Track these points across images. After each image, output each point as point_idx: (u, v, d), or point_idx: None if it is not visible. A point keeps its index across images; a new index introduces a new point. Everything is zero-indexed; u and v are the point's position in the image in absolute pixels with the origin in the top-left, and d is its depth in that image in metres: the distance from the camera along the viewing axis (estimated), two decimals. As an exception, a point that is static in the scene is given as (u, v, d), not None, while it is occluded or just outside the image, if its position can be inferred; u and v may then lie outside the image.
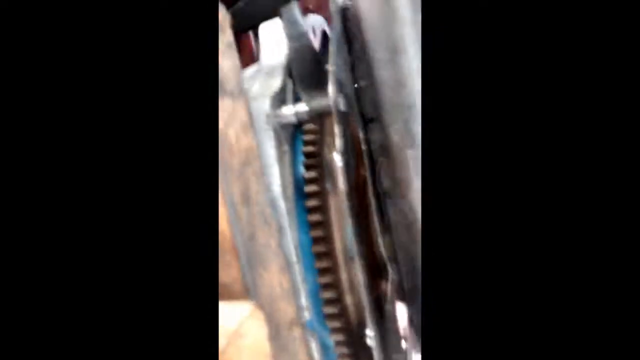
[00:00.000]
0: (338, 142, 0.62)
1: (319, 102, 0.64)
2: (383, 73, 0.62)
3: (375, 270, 0.69)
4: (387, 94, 0.61)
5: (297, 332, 0.65)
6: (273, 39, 0.67)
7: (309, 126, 0.67)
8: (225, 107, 0.62)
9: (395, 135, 0.62)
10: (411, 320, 0.68)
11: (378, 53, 0.64)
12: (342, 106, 0.63)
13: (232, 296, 0.64)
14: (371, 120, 0.66)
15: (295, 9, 0.64)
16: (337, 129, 0.62)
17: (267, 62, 0.67)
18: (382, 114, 0.63)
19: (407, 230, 0.65)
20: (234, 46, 0.63)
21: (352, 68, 0.66)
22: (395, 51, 0.61)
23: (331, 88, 0.62)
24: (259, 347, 0.61)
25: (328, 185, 0.67)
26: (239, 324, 0.61)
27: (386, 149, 0.63)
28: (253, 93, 0.65)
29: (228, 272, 0.63)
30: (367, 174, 0.67)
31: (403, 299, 0.69)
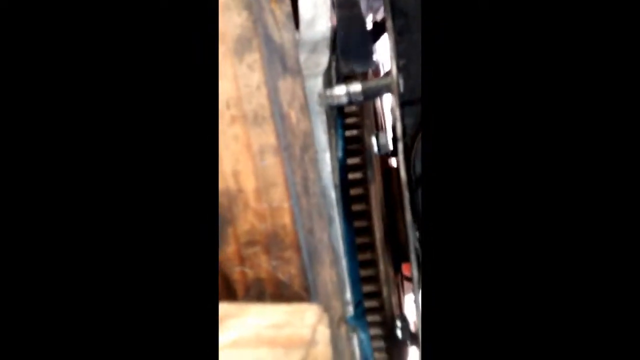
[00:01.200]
0: (399, 126, 0.60)
1: (377, 82, 0.60)
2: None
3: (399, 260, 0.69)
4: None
5: (343, 329, 0.62)
6: (314, 11, 0.61)
7: (351, 108, 0.63)
8: (287, 86, 0.55)
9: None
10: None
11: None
12: (401, 86, 0.60)
13: (291, 295, 0.57)
14: (408, 102, 0.65)
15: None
16: (397, 112, 0.60)
17: (309, 35, 0.61)
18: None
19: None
20: (292, 18, 0.56)
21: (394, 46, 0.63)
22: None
23: (393, 67, 0.59)
24: (327, 352, 0.57)
25: (369, 173, 0.64)
26: (311, 331, 0.55)
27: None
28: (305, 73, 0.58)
29: (288, 269, 0.57)
30: (401, 161, 0.65)
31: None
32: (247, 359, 0.48)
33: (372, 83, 0.59)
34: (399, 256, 0.67)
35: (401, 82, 0.59)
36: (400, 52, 0.61)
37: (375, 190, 0.61)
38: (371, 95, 0.59)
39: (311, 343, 0.54)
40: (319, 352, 0.55)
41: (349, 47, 0.61)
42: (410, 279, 0.70)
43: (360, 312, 0.61)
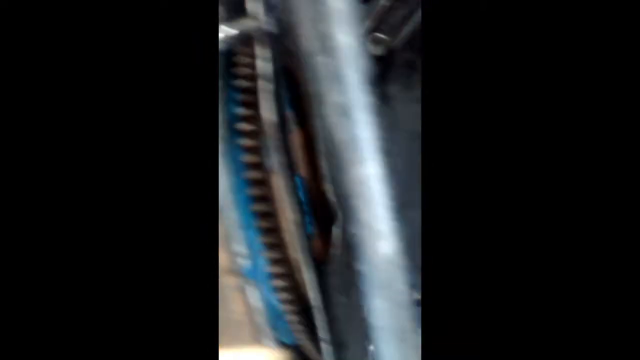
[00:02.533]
0: (265, 66, 0.56)
1: (246, 23, 0.57)
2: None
3: (321, 214, 0.64)
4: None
5: (231, 279, 0.61)
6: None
7: (243, 58, 0.60)
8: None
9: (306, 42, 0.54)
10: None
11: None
12: (270, 27, 0.56)
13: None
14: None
15: None
16: (263, 52, 0.55)
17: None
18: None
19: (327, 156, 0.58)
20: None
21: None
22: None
23: (256, 6, 0.55)
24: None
25: (262, 125, 0.61)
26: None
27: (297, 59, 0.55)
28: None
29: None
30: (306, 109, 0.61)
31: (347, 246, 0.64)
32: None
33: (243, 24, 0.57)
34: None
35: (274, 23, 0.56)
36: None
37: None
38: (245, 37, 0.57)
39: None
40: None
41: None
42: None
43: (260, 264, 0.60)
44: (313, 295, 0.62)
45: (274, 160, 0.61)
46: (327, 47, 0.52)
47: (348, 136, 0.51)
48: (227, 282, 0.59)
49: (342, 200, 0.56)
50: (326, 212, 0.63)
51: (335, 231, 0.64)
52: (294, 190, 0.59)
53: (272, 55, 0.56)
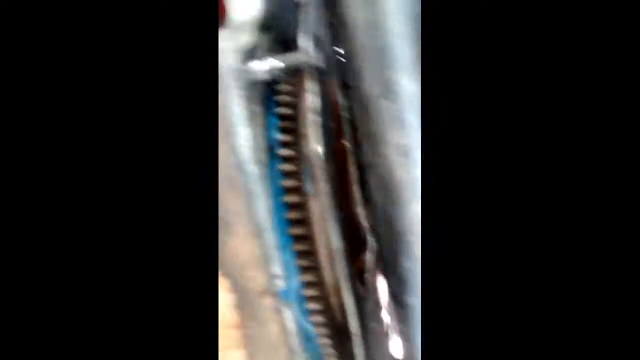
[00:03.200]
0: (313, 100, 0.58)
1: (295, 57, 0.60)
2: (356, 14, 0.58)
3: (355, 242, 0.66)
4: (359, 37, 0.57)
5: (268, 301, 0.62)
6: (244, -5, 0.63)
7: (285, 87, 0.63)
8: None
9: (370, 85, 0.58)
10: (391, 291, 0.65)
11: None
12: (319, 62, 0.59)
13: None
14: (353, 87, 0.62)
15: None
16: (312, 86, 0.58)
17: (237, 17, 0.63)
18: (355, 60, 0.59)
19: (384, 192, 0.62)
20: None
21: (333, 30, 0.62)
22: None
23: (306, 42, 0.58)
24: (227, 314, 0.58)
25: (305, 151, 0.63)
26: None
27: (360, 101, 0.59)
28: (220, 48, 0.61)
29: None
30: (349, 142, 0.63)
31: (383, 269, 0.66)
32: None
33: (292, 58, 0.60)
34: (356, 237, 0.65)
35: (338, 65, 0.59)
36: (342, 37, 0.60)
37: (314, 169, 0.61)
38: (292, 70, 0.60)
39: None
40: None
41: (281, 28, 0.63)
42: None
43: (297, 287, 0.62)
44: (349, 320, 0.63)
45: (314, 186, 0.64)
46: (391, 91, 0.55)
47: (407, 176, 0.54)
48: (264, 304, 0.60)
49: (397, 236, 0.59)
50: (358, 237, 0.65)
51: (369, 257, 0.66)
52: (333, 215, 0.61)
53: (320, 89, 0.59)
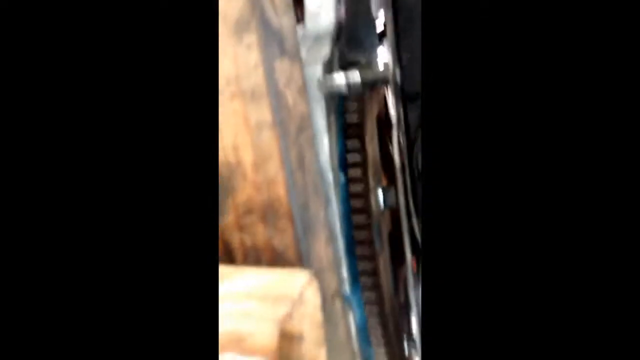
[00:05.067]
0: (394, 115, 0.63)
1: (374, 72, 0.64)
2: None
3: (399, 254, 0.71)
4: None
5: (338, 304, 0.64)
6: (319, 4, 0.66)
7: (351, 102, 0.67)
8: (284, 67, 0.60)
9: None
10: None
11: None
12: (397, 77, 0.64)
13: (286, 263, 0.61)
14: (414, 97, 0.68)
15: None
16: (394, 102, 0.63)
17: (314, 26, 0.66)
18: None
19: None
20: (291, 4, 0.61)
21: (397, 43, 0.67)
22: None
23: (390, 58, 0.62)
24: (316, 315, 0.60)
25: (370, 157, 0.67)
26: (300, 292, 0.59)
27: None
28: (304, 58, 0.63)
29: (282, 238, 0.60)
30: (403, 153, 0.68)
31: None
32: (236, 309, 0.53)
33: (370, 72, 0.63)
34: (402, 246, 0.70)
35: (401, 75, 0.63)
36: (403, 47, 0.65)
37: (372, 174, 0.64)
38: (370, 84, 0.63)
39: (298, 302, 0.57)
40: (306, 312, 0.58)
41: (354, 42, 0.66)
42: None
43: (357, 289, 0.64)
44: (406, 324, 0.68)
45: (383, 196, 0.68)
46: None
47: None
48: (336, 306, 0.62)
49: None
50: (415, 244, 0.71)
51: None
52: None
53: (397, 102, 0.64)
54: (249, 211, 0.59)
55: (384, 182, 0.64)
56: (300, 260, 0.60)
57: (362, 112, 0.63)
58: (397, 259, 0.67)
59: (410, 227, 0.65)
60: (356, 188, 0.62)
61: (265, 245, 0.60)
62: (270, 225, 0.59)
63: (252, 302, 0.53)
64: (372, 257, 0.63)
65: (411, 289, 0.66)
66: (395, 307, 0.65)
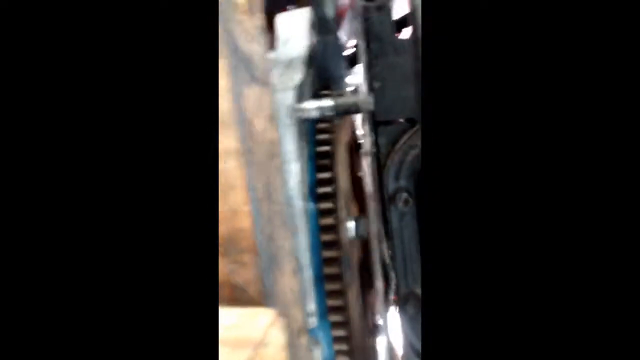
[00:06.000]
0: (368, 142, 0.61)
1: (347, 100, 0.62)
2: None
3: (369, 282, 0.69)
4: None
5: (304, 340, 0.62)
6: (291, 30, 0.64)
7: (323, 124, 0.65)
8: (254, 94, 0.58)
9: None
10: (406, 337, 0.69)
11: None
12: (370, 105, 0.62)
13: (247, 300, 0.58)
14: (385, 123, 0.66)
15: (330, 2, 0.62)
16: (367, 129, 0.61)
17: (285, 52, 0.64)
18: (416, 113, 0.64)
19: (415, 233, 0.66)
20: (263, 31, 0.59)
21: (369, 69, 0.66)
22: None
23: (362, 85, 0.61)
24: (280, 356, 0.57)
25: (340, 187, 0.65)
26: (264, 333, 0.56)
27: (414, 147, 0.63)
28: (275, 84, 0.61)
29: (244, 273, 0.58)
30: (372, 178, 0.66)
31: (399, 303, 0.69)
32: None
33: (343, 100, 0.61)
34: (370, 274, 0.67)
35: (373, 101, 0.62)
36: (374, 74, 0.63)
37: (343, 205, 0.62)
38: (342, 111, 0.61)
39: (260, 344, 0.55)
40: (269, 354, 0.55)
41: (324, 69, 0.64)
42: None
43: (325, 324, 0.61)
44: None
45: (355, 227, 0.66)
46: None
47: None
48: (301, 342, 0.60)
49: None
50: (386, 276, 0.69)
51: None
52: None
53: (371, 129, 0.62)
54: (210, 243, 0.56)
55: (355, 212, 0.62)
56: (263, 296, 0.58)
57: (333, 141, 0.61)
58: (367, 287, 0.64)
59: (381, 254, 0.63)
60: (327, 221, 0.60)
61: (225, 280, 0.57)
62: (232, 259, 0.56)
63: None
64: (342, 293, 0.61)
65: (381, 315, 0.64)
66: (365, 342, 0.62)
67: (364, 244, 0.63)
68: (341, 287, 0.61)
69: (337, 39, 0.64)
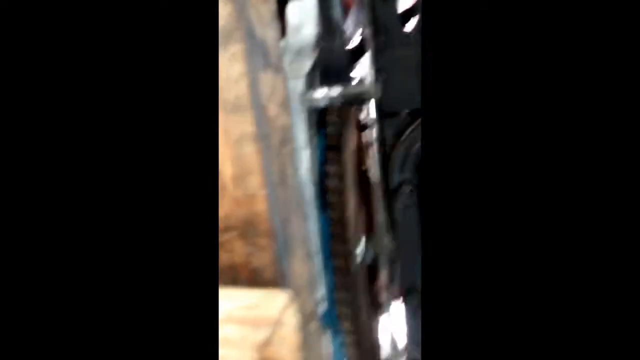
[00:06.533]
0: (375, 132, 0.63)
1: (355, 89, 0.64)
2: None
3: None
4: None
5: (314, 325, 0.62)
6: (301, 18, 0.65)
7: (332, 116, 0.66)
8: (268, 80, 0.58)
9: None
10: (409, 328, 0.70)
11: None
12: (377, 94, 0.63)
13: (264, 282, 0.59)
14: (390, 115, 0.68)
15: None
16: (374, 118, 0.63)
17: (295, 40, 0.65)
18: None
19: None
20: (276, 18, 0.60)
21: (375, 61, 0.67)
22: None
23: (371, 75, 0.62)
24: (294, 337, 0.58)
25: (348, 180, 0.67)
26: (279, 314, 0.57)
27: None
28: (285, 71, 0.62)
29: (262, 256, 0.58)
30: (378, 169, 0.68)
31: (399, 295, 0.71)
32: (216, 334, 0.50)
33: (351, 89, 0.62)
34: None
35: (379, 92, 0.63)
36: (380, 66, 0.65)
37: (349, 193, 0.63)
38: (350, 100, 0.62)
39: (278, 324, 0.55)
40: (285, 333, 0.56)
41: (329, 71, 0.65)
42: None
43: (333, 312, 0.62)
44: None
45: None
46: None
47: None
48: (311, 327, 0.61)
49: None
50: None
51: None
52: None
53: (378, 118, 0.63)
54: (227, 227, 0.56)
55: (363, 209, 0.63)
56: (279, 279, 0.58)
57: (341, 134, 0.62)
58: (373, 279, 0.66)
59: (385, 245, 0.64)
60: (335, 214, 0.61)
61: (243, 263, 0.57)
62: (250, 242, 0.56)
63: (231, 326, 0.51)
64: (348, 272, 0.62)
65: (385, 306, 0.65)
66: (370, 333, 0.63)
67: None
68: (350, 282, 0.62)
69: (341, 46, 0.66)
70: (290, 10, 0.65)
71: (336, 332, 0.62)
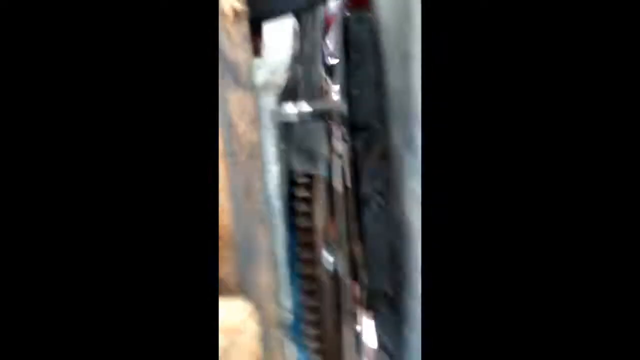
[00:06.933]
0: (340, 144, 0.65)
1: (323, 104, 0.66)
2: (392, 80, 0.67)
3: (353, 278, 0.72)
4: (394, 100, 0.66)
5: (278, 333, 0.65)
6: (278, 37, 0.67)
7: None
8: (238, 99, 0.61)
9: (396, 139, 0.66)
10: (378, 335, 0.72)
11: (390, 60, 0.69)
12: (343, 109, 0.66)
13: (226, 292, 0.61)
14: (362, 128, 0.70)
15: (319, 13, 0.65)
16: (340, 132, 0.65)
17: (272, 59, 0.67)
18: (384, 120, 0.67)
19: (396, 230, 0.69)
20: (249, 38, 0.62)
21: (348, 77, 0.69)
22: (407, 57, 0.66)
23: (339, 92, 0.64)
24: (255, 345, 0.60)
25: (318, 191, 0.69)
26: (240, 322, 0.60)
27: (386, 152, 0.67)
28: (258, 87, 0.64)
29: (224, 267, 0.61)
30: (348, 181, 0.70)
31: (367, 304, 0.73)
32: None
33: (320, 104, 0.64)
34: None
35: (348, 107, 0.65)
36: (353, 83, 0.67)
37: (323, 208, 0.65)
38: (319, 115, 0.64)
39: (238, 332, 0.58)
40: (245, 342, 0.59)
41: (307, 74, 0.67)
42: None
43: (299, 327, 0.65)
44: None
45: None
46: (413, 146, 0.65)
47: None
48: (275, 335, 0.63)
49: (407, 272, 0.66)
50: (355, 273, 0.72)
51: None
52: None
53: (345, 133, 0.65)
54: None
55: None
56: (241, 289, 0.61)
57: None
58: (340, 288, 0.68)
59: (351, 253, 0.66)
60: (302, 222, 0.63)
61: (207, 272, 0.60)
62: (214, 253, 0.59)
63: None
64: (316, 293, 0.64)
65: (353, 314, 0.67)
66: (337, 341, 0.65)
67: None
68: (316, 289, 0.64)
69: (319, 47, 0.68)
70: (267, 31, 0.67)
71: (302, 345, 0.65)
